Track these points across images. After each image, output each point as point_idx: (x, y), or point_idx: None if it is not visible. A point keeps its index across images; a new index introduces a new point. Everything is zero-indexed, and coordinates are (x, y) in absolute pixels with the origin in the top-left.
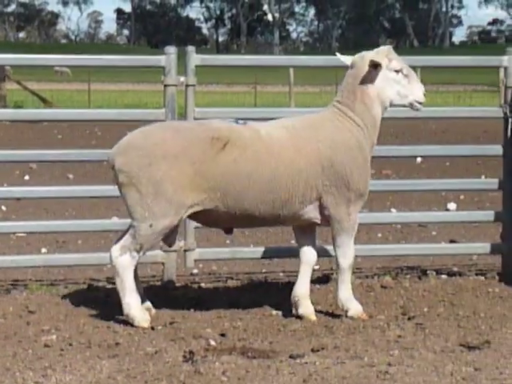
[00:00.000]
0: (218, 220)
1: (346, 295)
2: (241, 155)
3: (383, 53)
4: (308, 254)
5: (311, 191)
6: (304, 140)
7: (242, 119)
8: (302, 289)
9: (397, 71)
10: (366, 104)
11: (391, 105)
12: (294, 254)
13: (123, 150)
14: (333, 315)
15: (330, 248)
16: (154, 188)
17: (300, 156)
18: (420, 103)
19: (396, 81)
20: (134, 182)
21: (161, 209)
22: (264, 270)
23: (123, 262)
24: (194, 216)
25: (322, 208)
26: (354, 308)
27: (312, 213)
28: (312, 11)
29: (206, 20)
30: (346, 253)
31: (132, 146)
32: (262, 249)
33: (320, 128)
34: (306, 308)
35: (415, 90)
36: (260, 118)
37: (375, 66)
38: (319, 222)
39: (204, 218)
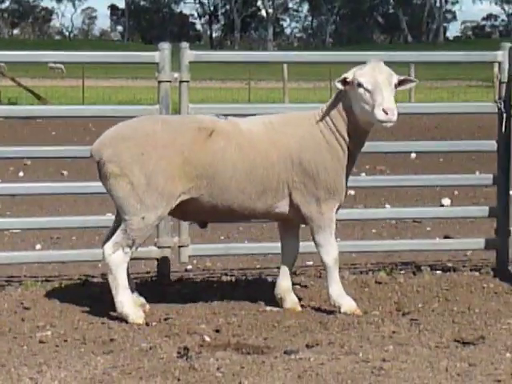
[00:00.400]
0: (198, 211)
1: (337, 292)
2: (226, 145)
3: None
4: (289, 250)
5: (283, 186)
6: (278, 134)
7: (224, 115)
8: (284, 284)
9: (359, 85)
10: (340, 113)
11: (365, 121)
12: None
13: (109, 142)
14: (327, 311)
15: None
16: (146, 179)
17: (274, 149)
18: (382, 122)
19: (359, 96)
20: (127, 173)
21: (152, 200)
22: (258, 266)
23: (116, 258)
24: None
25: (294, 205)
26: (347, 304)
27: (283, 208)
28: (306, 7)
29: (200, 16)
30: (329, 250)
31: (121, 137)
32: (256, 245)
33: (294, 125)
34: (291, 302)
35: (374, 107)
36: (254, 113)
37: (344, 81)
38: (290, 216)
39: (184, 208)
